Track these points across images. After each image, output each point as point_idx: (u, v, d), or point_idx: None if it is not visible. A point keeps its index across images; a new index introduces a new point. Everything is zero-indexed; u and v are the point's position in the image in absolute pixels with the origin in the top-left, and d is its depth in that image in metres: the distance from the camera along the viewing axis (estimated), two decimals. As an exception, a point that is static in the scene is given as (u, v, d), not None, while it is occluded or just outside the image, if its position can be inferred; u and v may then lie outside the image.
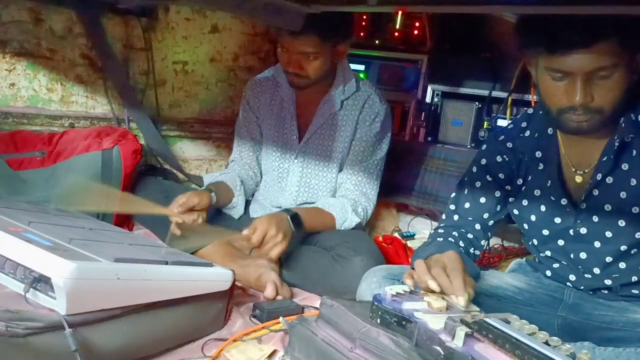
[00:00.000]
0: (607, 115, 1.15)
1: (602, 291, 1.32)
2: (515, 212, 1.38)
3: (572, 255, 1.31)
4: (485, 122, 2.17)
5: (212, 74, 2.52)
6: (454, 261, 1.14)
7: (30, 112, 2.03)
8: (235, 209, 1.93)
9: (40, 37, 2.03)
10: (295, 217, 1.68)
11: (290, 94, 1.91)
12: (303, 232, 1.74)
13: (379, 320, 1.04)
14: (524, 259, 1.56)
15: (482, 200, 1.38)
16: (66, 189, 1.80)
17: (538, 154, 1.33)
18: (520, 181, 1.36)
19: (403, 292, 1.10)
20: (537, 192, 1.33)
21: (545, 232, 1.34)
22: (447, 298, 1.09)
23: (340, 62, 1.87)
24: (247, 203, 2.00)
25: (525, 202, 1.35)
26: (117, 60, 2.18)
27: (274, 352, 1.28)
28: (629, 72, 1.13)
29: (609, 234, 1.25)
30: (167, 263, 1.22)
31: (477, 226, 1.38)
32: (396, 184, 2.22)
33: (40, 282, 1.04)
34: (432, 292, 1.10)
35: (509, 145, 1.36)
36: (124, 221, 1.96)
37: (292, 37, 1.70)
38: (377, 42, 2.47)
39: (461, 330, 0.93)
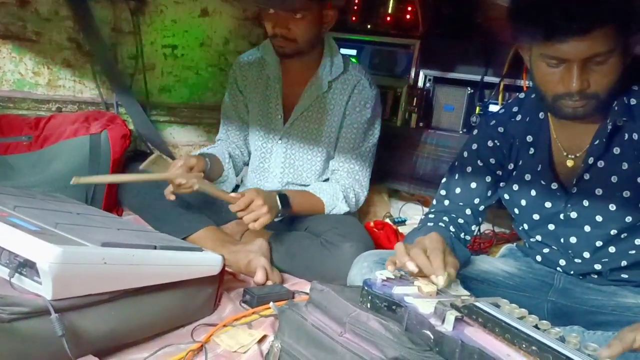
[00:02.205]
0: (603, 100, 1.15)
1: (592, 276, 1.32)
2: (506, 196, 1.38)
3: (562, 240, 1.31)
4: (478, 108, 2.17)
5: (202, 58, 2.49)
6: (434, 242, 1.12)
7: (16, 96, 2.00)
8: (226, 184, 1.90)
9: (26, 19, 1.99)
10: (283, 197, 1.67)
11: (277, 72, 1.88)
12: (290, 213, 1.72)
13: (369, 305, 1.03)
14: (515, 244, 1.56)
15: (473, 185, 1.38)
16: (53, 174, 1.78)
17: (529, 138, 1.32)
18: (511, 166, 1.35)
19: (393, 277, 1.09)
20: (527, 177, 1.32)
21: (536, 216, 1.33)
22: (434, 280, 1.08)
23: (328, 40, 1.85)
24: (236, 188, 1.98)
25: (515, 187, 1.35)
26: (105, 44, 2.15)
27: (264, 337, 1.27)
28: (623, 56, 1.13)
29: (599, 218, 1.25)
30: (155, 247, 1.21)
31: (468, 211, 1.38)
32: (388, 170, 2.22)
33: (26, 266, 1.03)
34: (423, 276, 1.10)
35: (500, 129, 1.35)
36: (113, 206, 1.94)
37: None
38: (369, 26, 2.45)
39: (451, 315, 0.93)
